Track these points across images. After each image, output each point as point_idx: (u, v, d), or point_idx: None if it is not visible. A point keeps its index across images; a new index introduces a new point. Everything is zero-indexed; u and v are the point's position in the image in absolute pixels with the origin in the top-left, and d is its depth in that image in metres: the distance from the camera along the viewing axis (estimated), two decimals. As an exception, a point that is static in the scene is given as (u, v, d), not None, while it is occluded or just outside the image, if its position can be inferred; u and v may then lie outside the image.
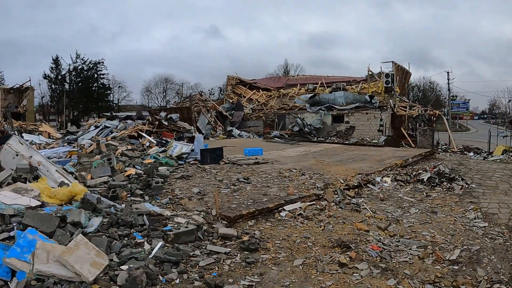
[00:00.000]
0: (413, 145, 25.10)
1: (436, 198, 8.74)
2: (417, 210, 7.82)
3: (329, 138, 24.65)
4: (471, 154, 22.65)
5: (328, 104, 27.35)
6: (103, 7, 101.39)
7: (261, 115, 29.61)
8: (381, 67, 28.51)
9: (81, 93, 51.75)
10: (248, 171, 11.11)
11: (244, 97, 34.22)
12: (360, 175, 10.58)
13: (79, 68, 51.74)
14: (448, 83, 36.57)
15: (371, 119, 25.85)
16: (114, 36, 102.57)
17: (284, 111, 29.02)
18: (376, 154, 14.77)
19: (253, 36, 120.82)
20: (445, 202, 8.40)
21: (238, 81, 36.00)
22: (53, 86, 51.47)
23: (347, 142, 21.98)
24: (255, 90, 34.45)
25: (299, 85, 32.46)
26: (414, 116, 26.72)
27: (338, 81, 31.60)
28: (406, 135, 25.57)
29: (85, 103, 51.60)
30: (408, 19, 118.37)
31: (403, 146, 24.51)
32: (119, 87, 58.86)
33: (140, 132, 22.75)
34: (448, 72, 36.41)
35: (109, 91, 55.73)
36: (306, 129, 26.73)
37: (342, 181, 9.75)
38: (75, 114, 50.37)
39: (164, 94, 63.68)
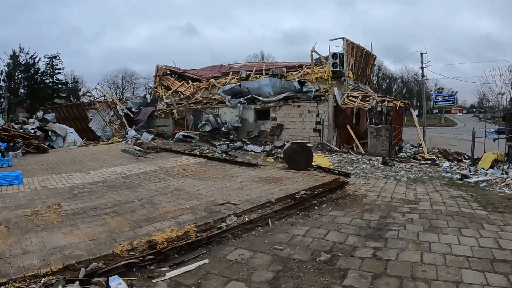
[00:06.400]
0: (363, 151, 16.16)
1: None
2: None
3: (240, 140, 15.68)
4: (446, 164, 13.73)
5: (251, 96, 18.33)
6: (82, 9, 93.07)
7: (173, 111, 20.71)
8: (329, 47, 19.27)
9: (28, 89, 43.54)
10: None
11: (171, 89, 25.31)
12: None
13: (23, 63, 43.35)
14: (422, 67, 26.89)
15: (304, 114, 16.87)
16: (95, 36, 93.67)
17: (200, 106, 20.07)
18: (166, 199, 5.88)
19: (230, 33, 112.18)
20: None
21: (168, 71, 27.08)
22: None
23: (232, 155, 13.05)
24: (183, 81, 25.49)
25: (231, 73, 23.46)
26: (367, 109, 17.64)
27: (281, 66, 22.54)
28: (354, 136, 16.59)
29: (31, 100, 43.27)
30: (378, 16, 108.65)
31: (351, 150, 15.57)
32: (76, 82, 50.18)
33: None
34: (421, 54, 26.85)
35: (60, 86, 47.21)
36: (223, 128, 17.85)
37: None
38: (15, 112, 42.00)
39: (122, 89, 55.10)
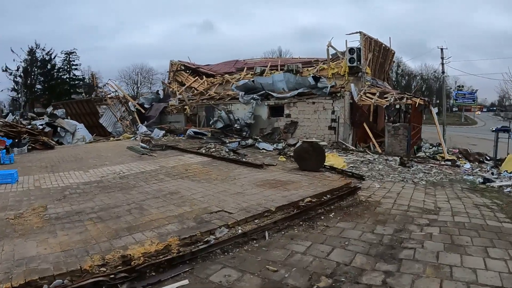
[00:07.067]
0: (380, 150, 15.38)
1: None
2: None
3: (253, 137, 15.13)
4: (467, 166, 12.82)
5: (264, 92, 17.71)
6: (100, 6, 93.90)
7: (185, 107, 20.30)
8: (346, 41, 18.44)
9: (44, 85, 44.10)
10: None
11: (185, 85, 24.91)
12: None
13: (39, 59, 43.85)
14: (443, 63, 25.54)
15: (319, 110, 16.17)
16: (112, 32, 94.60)
17: (212, 102, 19.58)
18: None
19: (248, 30, 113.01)
20: None
21: (182, 67, 26.65)
22: (14, 79, 43.85)
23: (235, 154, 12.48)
24: (197, 77, 25.04)
25: (245, 68, 22.88)
26: (385, 106, 16.79)
27: (297, 62, 21.83)
28: (371, 134, 15.84)
29: (48, 96, 43.73)
30: (394, 12, 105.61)
31: (367, 150, 14.82)
32: (94, 78, 50.56)
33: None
34: (442, 49, 25.47)
35: (77, 82, 47.58)
36: (236, 125, 17.33)
37: None
38: (34, 108, 42.51)
39: (138, 85, 55.25)
